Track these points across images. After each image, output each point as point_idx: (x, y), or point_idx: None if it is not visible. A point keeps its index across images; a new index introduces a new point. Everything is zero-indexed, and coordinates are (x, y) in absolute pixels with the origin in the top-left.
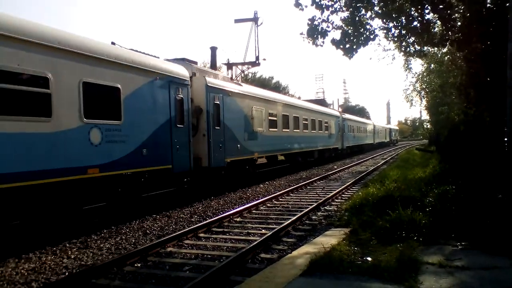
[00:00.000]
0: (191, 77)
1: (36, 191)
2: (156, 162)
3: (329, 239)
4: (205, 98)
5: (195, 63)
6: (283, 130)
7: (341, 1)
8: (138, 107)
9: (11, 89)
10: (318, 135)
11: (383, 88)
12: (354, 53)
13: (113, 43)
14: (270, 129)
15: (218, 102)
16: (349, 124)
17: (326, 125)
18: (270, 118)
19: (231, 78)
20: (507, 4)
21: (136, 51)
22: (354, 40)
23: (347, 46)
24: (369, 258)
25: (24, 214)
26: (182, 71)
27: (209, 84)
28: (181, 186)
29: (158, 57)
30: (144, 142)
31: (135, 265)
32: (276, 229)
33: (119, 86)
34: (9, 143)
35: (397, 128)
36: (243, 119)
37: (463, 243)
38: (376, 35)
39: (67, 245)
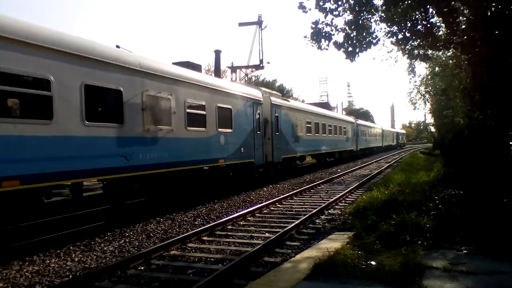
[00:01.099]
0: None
1: (199, 172)
2: (247, 157)
3: (333, 243)
4: (270, 112)
5: (199, 66)
6: (315, 134)
7: (345, 5)
8: (240, 121)
9: (192, 112)
10: (338, 139)
11: (387, 91)
12: (356, 56)
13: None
14: (307, 134)
15: (277, 115)
16: (362, 129)
17: (344, 130)
18: (307, 125)
19: (282, 95)
20: None
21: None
22: (357, 44)
23: (350, 49)
24: (373, 262)
25: (191, 185)
26: (259, 94)
27: (272, 102)
28: (258, 174)
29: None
30: (241, 144)
31: (139, 268)
32: (279, 233)
33: (231, 107)
34: (194, 143)
35: (404, 132)
36: (291, 126)
37: (467, 248)
38: (379, 39)
39: (71, 247)
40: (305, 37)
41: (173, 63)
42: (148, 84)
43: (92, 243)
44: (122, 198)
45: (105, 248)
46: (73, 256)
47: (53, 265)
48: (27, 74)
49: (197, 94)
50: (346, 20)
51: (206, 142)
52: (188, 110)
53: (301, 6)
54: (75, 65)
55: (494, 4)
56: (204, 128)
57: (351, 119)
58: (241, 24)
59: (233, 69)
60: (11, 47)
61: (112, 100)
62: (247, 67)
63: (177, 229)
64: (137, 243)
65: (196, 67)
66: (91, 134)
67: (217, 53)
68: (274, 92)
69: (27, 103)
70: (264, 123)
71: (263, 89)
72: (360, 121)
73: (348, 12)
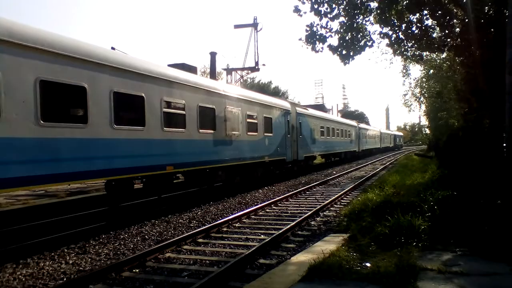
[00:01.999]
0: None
1: (253, 165)
2: (281, 155)
3: (328, 245)
4: (296, 119)
5: (195, 68)
6: (327, 137)
7: (339, 8)
8: (277, 127)
9: (249, 121)
10: (345, 141)
11: (382, 93)
12: (350, 59)
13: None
14: (321, 137)
15: (300, 122)
16: (363, 132)
17: (349, 133)
18: (321, 130)
19: (302, 105)
20: (506, 11)
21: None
22: (352, 47)
23: (344, 52)
24: (368, 264)
25: (249, 174)
26: (288, 106)
27: (297, 111)
28: (288, 169)
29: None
30: (278, 145)
31: (134, 270)
32: (275, 235)
33: (271, 117)
34: (250, 144)
35: (401, 134)
36: (310, 131)
37: (462, 249)
38: (374, 42)
39: (65, 250)
40: (300, 39)
41: (169, 65)
42: (228, 103)
43: (87, 245)
44: (214, 181)
45: (100, 251)
46: (68, 258)
47: (47, 267)
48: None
49: (252, 108)
50: (341, 23)
51: (257, 143)
52: (248, 120)
53: (296, 10)
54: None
55: (487, 7)
56: (256, 133)
57: (354, 123)
58: (236, 26)
59: (229, 71)
60: None
61: (210, 114)
62: (242, 69)
63: (173, 231)
64: (132, 246)
65: (191, 69)
66: (203, 138)
67: (213, 55)
68: (296, 103)
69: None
70: (292, 128)
71: (289, 100)
72: (361, 125)
73: (343, 14)
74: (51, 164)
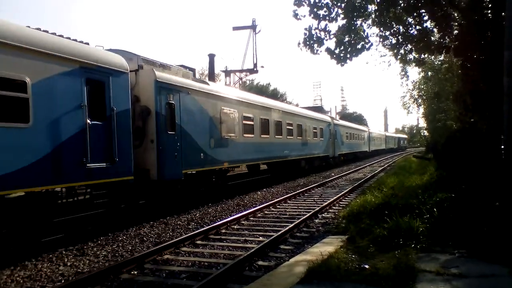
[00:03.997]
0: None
1: (313, 158)
2: (327, 152)
3: (327, 247)
4: (333, 128)
5: (193, 70)
6: (350, 140)
7: (338, 11)
8: (325, 133)
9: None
10: (360, 143)
11: (381, 95)
12: (348, 61)
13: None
14: (346, 140)
15: (335, 130)
16: (372, 136)
17: (362, 136)
18: (346, 134)
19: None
20: (503, 13)
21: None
22: (349, 49)
23: (341, 55)
24: (366, 266)
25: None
26: (329, 119)
27: (334, 123)
28: (327, 162)
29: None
30: (325, 146)
31: (132, 272)
32: (273, 237)
33: (322, 127)
34: (315, 145)
35: (405, 136)
36: (340, 136)
37: (460, 251)
38: (372, 45)
39: (64, 252)
40: (298, 44)
41: None
42: (307, 121)
43: (85, 247)
44: (280, 171)
45: (98, 253)
46: (66, 260)
47: (45, 269)
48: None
49: (316, 122)
50: (340, 26)
51: (316, 144)
52: (313, 130)
53: (295, 15)
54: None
55: (485, 9)
56: (316, 138)
57: (366, 128)
58: (235, 28)
59: (227, 73)
60: None
61: (301, 127)
62: (241, 71)
63: (171, 233)
64: (130, 247)
65: (190, 71)
66: (297, 142)
67: (211, 57)
68: (332, 116)
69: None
70: (331, 134)
71: (329, 115)
72: (371, 130)
73: (342, 16)
74: None
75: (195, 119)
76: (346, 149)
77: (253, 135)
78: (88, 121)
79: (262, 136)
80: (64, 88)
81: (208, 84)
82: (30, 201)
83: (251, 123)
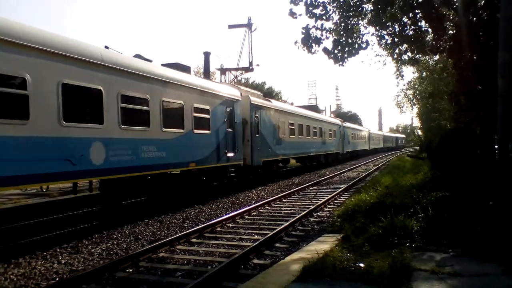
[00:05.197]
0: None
1: (329, 154)
2: (339, 149)
3: (322, 245)
4: (343, 130)
5: (188, 68)
6: (354, 140)
7: (334, 10)
8: (336, 134)
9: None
10: (361, 142)
11: (375, 95)
12: (345, 61)
13: (106, 47)
14: (351, 139)
15: (344, 131)
16: (373, 136)
17: (363, 136)
18: (351, 135)
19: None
20: (498, 15)
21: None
22: (346, 49)
23: (339, 55)
24: (362, 264)
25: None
26: (339, 122)
27: (343, 125)
28: (338, 157)
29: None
30: (336, 144)
31: (127, 270)
32: (268, 235)
33: (335, 129)
34: (329, 143)
35: (403, 136)
36: (347, 136)
37: (455, 250)
38: (368, 44)
39: (58, 250)
40: (295, 43)
41: (162, 65)
42: (325, 125)
43: (80, 245)
44: (319, 161)
45: (93, 250)
46: (60, 258)
47: (39, 267)
48: None
49: (330, 126)
50: (336, 24)
51: (331, 143)
52: (329, 132)
53: (291, 13)
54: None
55: (480, 10)
56: (330, 138)
57: (366, 129)
58: (231, 27)
59: (223, 71)
60: None
61: (320, 130)
62: (236, 69)
63: (166, 231)
64: (125, 245)
65: (185, 69)
66: (317, 141)
67: (207, 55)
68: (342, 120)
69: None
70: (340, 135)
71: (339, 119)
72: (371, 130)
73: (338, 16)
74: None
75: (266, 126)
76: (351, 147)
77: (294, 136)
78: (227, 129)
79: (299, 137)
80: (220, 111)
81: (271, 101)
82: (203, 172)
83: (293, 127)
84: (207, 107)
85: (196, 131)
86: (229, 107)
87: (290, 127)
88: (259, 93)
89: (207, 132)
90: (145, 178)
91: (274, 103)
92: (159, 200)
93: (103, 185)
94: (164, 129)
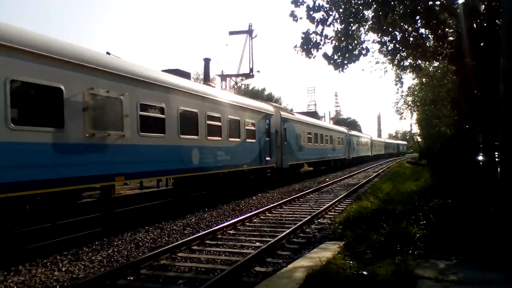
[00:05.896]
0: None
1: (339, 159)
2: (343, 155)
3: (324, 253)
4: (349, 138)
5: (188, 74)
6: (359, 146)
7: (335, 16)
8: (343, 142)
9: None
10: (365, 148)
11: (374, 101)
12: (345, 68)
13: (108, 53)
14: (356, 146)
15: (350, 139)
16: (375, 143)
17: (367, 143)
18: (355, 141)
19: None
20: (497, 21)
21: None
22: (346, 55)
23: (338, 61)
24: (365, 272)
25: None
26: (346, 130)
27: (350, 133)
28: (346, 163)
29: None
30: (344, 151)
31: (128, 278)
32: (270, 242)
33: (332, 135)
34: (340, 150)
35: (405, 143)
36: (353, 143)
37: (458, 257)
38: (368, 50)
39: (58, 257)
40: (295, 47)
41: (162, 71)
42: (356, 138)
43: (80, 252)
44: (331, 166)
45: (93, 258)
46: (60, 265)
47: (39, 275)
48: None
49: (335, 133)
50: (337, 30)
51: (341, 150)
52: (356, 142)
53: (292, 15)
54: None
55: (481, 17)
56: (339, 145)
57: (369, 136)
58: (231, 33)
59: (223, 77)
60: None
61: (335, 140)
62: (237, 75)
63: (167, 238)
64: (125, 253)
65: (185, 75)
66: (331, 148)
67: (207, 61)
68: (348, 128)
69: None
70: (348, 142)
71: (368, 134)
72: (373, 138)
73: (338, 22)
74: None
75: (291, 135)
76: (356, 154)
77: (311, 144)
78: (266, 138)
79: (314, 144)
80: (261, 124)
81: (294, 114)
82: (251, 172)
83: (310, 136)
84: (253, 121)
85: (247, 140)
86: (267, 120)
87: (308, 135)
88: (285, 107)
89: (254, 141)
90: (217, 176)
91: (297, 116)
92: (218, 193)
93: (176, 181)
94: (230, 138)
